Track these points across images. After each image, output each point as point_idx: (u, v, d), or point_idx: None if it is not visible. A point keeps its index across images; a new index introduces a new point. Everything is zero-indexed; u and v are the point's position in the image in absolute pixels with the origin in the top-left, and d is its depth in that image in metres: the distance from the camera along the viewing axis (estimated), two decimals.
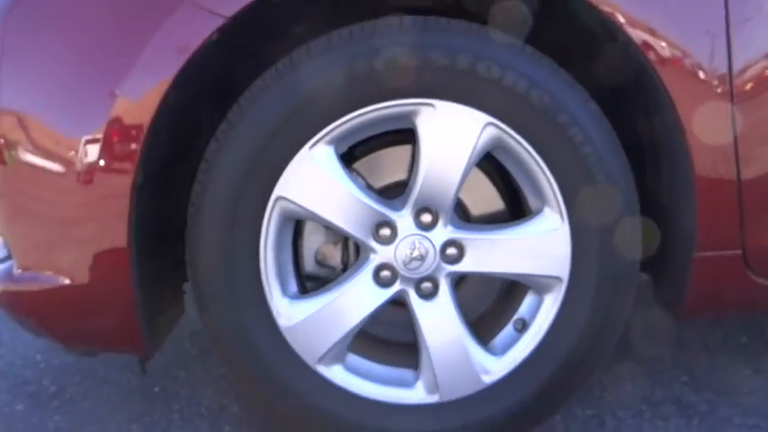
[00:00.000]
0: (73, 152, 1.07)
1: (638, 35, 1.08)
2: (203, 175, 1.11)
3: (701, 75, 1.09)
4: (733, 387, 1.50)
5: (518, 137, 1.11)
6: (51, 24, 1.08)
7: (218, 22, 1.03)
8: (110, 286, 1.10)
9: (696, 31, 1.09)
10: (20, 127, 1.09)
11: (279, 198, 1.11)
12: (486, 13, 1.24)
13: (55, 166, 1.08)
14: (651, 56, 1.08)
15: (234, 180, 1.10)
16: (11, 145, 1.09)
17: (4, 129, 1.09)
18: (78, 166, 1.07)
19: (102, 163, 1.06)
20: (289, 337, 1.15)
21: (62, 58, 1.08)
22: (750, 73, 1.10)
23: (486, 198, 1.30)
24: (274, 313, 1.15)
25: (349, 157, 1.25)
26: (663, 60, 1.08)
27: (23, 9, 1.09)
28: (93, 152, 1.06)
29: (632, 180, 1.15)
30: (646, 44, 1.08)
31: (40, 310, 1.14)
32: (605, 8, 1.07)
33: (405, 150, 1.26)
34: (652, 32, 1.08)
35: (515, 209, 1.30)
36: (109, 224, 1.08)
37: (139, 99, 1.06)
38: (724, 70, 1.09)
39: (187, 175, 1.20)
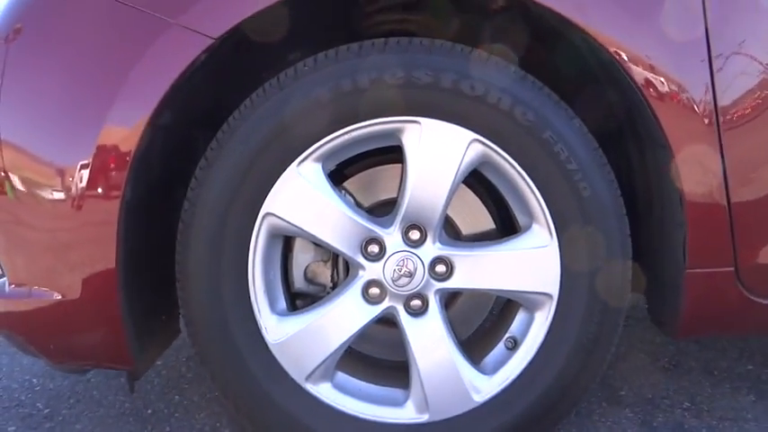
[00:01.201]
0: (64, 179, 1.09)
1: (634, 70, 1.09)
2: (192, 193, 1.13)
3: (690, 104, 1.10)
4: (735, 413, 1.47)
5: (503, 153, 1.12)
6: (44, 57, 1.12)
7: (206, 44, 1.06)
8: (99, 303, 1.11)
9: (682, 63, 1.10)
10: (18, 157, 1.12)
11: (267, 214, 1.12)
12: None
13: (48, 193, 1.11)
14: (644, 87, 1.09)
15: (222, 197, 1.11)
16: (10, 175, 1.12)
17: (5, 160, 1.12)
18: (69, 193, 1.09)
19: (90, 189, 1.08)
20: (277, 354, 1.15)
21: (56, 87, 1.11)
22: (733, 102, 1.11)
23: (476, 217, 1.30)
24: (262, 329, 1.15)
25: (340, 177, 1.27)
26: (654, 89, 1.09)
27: (20, 43, 1.13)
28: (83, 179, 1.09)
29: (619, 194, 1.15)
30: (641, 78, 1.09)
31: (31, 326, 1.15)
32: (601, 40, 1.09)
33: (395, 169, 1.27)
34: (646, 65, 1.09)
35: (507, 227, 1.30)
36: (98, 247, 1.09)
37: (126, 124, 1.08)
38: (710, 101, 1.10)
39: (183, 197, 1.22)
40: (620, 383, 1.61)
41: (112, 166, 1.09)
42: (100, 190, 1.09)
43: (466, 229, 1.30)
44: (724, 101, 1.10)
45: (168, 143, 1.19)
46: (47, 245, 1.12)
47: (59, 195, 1.10)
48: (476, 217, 1.30)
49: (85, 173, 1.09)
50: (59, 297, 1.11)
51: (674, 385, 1.60)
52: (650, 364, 1.73)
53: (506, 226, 1.30)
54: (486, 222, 1.31)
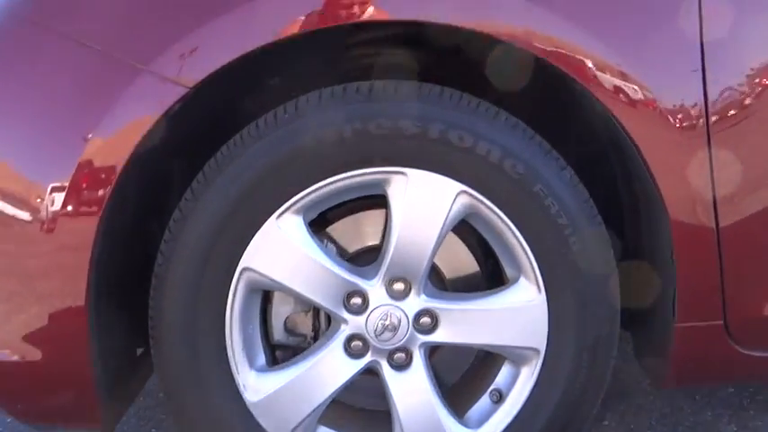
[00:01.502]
0: (39, 204, 1.03)
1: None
2: (166, 246, 1.07)
3: (678, 141, 1.06)
4: None
5: (492, 206, 1.08)
6: (9, 93, 1.05)
7: (180, 93, 1.00)
8: (65, 366, 1.05)
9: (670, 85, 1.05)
10: None
11: (245, 269, 1.07)
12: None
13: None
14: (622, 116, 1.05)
15: (198, 252, 1.06)
16: None
17: None
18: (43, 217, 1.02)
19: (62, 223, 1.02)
20: (256, 413, 1.11)
21: (26, 120, 1.05)
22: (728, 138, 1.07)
23: (461, 261, 1.26)
24: (240, 388, 1.11)
25: (321, 221, 1.22)
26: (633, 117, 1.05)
27: None
28: (56, 206, 1.02)
29: (611, 249, 1.12)
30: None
31: None
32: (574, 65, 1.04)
33: (380, 214, 1.22)
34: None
35: (493, 269, 1.26)
36: (68, 284, 1.03)
37: (102, 166, 1.02)
38: (703, 139, 1.06)
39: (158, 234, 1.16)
40: (603, 412, 1.60)
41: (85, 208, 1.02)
42: (73, 233, 1.02)
43: (449, 273, 1.26)
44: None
45: (145, 178, 1.13)
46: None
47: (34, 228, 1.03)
48: (460, 261, 1.26)
49: (60, 197, 1.02)
50: (19, 359, 1.05)
51: (656, 413, 1.60)
52: (633, 385, 1.72)
53: (491, 268, 1.27)
54: (471, 266, 1.27)
